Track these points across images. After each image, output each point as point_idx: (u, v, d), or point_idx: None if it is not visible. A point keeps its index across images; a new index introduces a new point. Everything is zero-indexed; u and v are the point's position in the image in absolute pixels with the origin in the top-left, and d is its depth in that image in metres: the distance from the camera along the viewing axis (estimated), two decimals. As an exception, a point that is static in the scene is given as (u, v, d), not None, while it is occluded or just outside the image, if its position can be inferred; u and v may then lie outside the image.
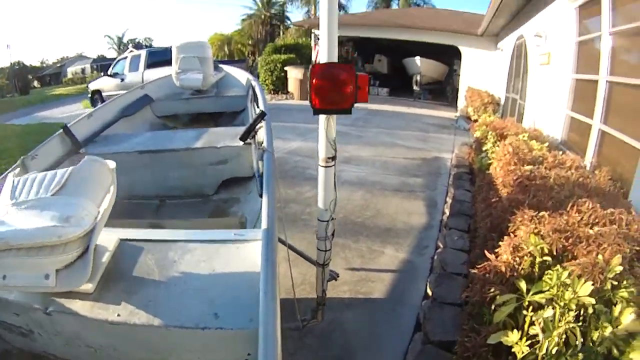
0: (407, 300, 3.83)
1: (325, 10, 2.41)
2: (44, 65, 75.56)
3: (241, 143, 3.93)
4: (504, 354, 2.27)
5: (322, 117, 2.62)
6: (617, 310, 2.12)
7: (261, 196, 2.85)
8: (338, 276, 3.52)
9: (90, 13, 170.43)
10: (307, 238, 4.22)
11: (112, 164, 2.54)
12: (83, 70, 58.04)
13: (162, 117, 6.58)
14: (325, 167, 2.75)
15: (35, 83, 62.05)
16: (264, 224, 2.40)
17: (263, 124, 3.73)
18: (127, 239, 2.54)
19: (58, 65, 69.95)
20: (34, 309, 2.30)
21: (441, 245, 4.56)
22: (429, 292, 3.83)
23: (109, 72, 16.99)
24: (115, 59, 22.20)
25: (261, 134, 3.69)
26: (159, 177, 4.07)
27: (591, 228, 2.94)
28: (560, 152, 5.47)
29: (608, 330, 2.06)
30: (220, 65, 7.97)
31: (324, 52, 2.48)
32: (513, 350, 2.14)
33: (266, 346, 1.71)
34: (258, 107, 4.70)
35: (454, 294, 3.62)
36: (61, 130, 4.23)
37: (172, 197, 4.24)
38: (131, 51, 18.85)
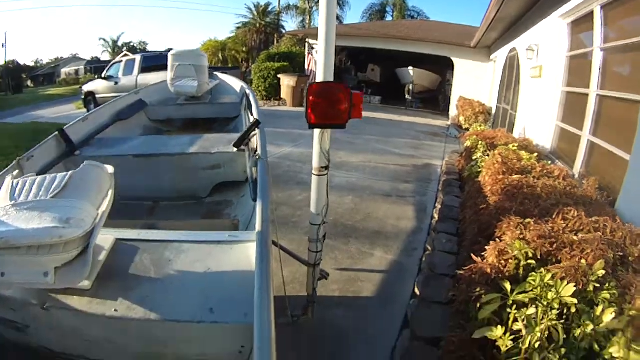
0: (395, 299, 3.90)
1: (323, 35, 2.56)
2: (38, 65, 75.13)
3: (235, 149, 4.00)
4: (489, 348, 2.34)
5: (317, 131, 2.77)
6: (599, 310, 2.22)
7: (255, 200, 2.95)
8: (328, 275, 3.59)
9: (85, 15, 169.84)
10: (296, 240, 4.34)
11: (110, 169, 2.61)
12: (77, 72, 57.80)
13: (155, 121, 6.64)
14: (319, 175, 2.93)
15: (29, 82, 61.68)
16: (258, 226, 2.48)
17: (257, 132, 3.81)
18: (123, 238, 2.60)
19: (52, 65, 69.59)
20: (31, 305, 2.34)
21: (430, 248, 4.64)
22: (417, 292, 3.90)
23: (103, 75, 17.09)
24: (109, 61, 22.20)
25: (254, 141, 3.80)
26: (153, 180, 4.12)
27: (575, 235, 3.03)
28: (549, 162, 5.60)
29: (589, 328, 2.15)
30: (215, 74, 8.07)
31: (320, 71, 2.63)
32: (497, 344, 2.22)
33: (261, 338, 1.77)
34: (252, 114, 4.78)
35: (442, 294, 3.72)
36: (57, 133, 4.22)
37: (166, 199, 4.27)
38: (125, 55, 18.86)
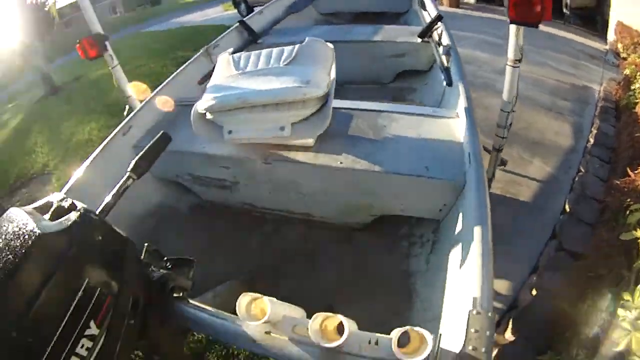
0: (547, 209, 4.36)
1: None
2: (173, -27, 72.62)
3: (419, 40, 4.13)
4: (632, 248, 2.78)
5: (512, 27, 2.95)
6: None
7: (449, 85, 3.20)
8: (507, 162, 3.88)
9: None
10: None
11: (330, 45, 2.82)
12: (216, -27, 56.18)
13: (325, 14, 6.85)
14: (513, 67, 3.10)
15: (166, -8, 60.30)
16: (463, 102, 2.70)
17: (440, 25, 3.92)
18: (335, 107, 2.70)
19: (188, -31, 67.37)
20: (250, 161, 2.61)
21: (583, 170, 4.96)
22: (567, 208, 4.29)
23: None
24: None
25: (436, 35, 3.92)
26: (337, 65, 4.31)
27: None
28: None
29: None
30: None
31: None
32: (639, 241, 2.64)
33: (478, 191, 1.98)
34: (425, 9, 4.93)
35: (589, 215, 4.08)
36: (237, 24, 4.61)
37: (350, 83, 4.46)
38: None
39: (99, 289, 1.23)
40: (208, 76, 3.11)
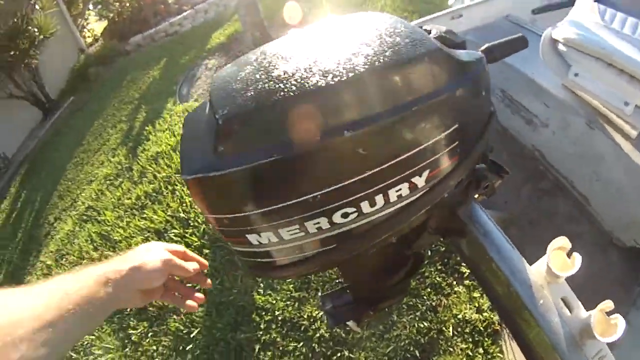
0: None
1: None
2: None
3: None
4: None
5: None
6: None
7: None
8: None
9: None
10: None
11: None
12: None
13: None
14: None
15: None
16: None
17: None
18: None
19: None
20: (575, 114, 2.41)
21: None
22: None
23: None
24: None
25: None
26: None
27: None
28: None
29: None
30: None
31: None
32: None
33: None
34: None
35: None
36: None
37: None
38: None
39: (456, 142, 0.97)
40: (544, 9, 2.96)
